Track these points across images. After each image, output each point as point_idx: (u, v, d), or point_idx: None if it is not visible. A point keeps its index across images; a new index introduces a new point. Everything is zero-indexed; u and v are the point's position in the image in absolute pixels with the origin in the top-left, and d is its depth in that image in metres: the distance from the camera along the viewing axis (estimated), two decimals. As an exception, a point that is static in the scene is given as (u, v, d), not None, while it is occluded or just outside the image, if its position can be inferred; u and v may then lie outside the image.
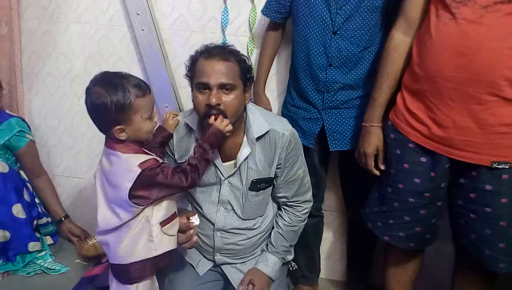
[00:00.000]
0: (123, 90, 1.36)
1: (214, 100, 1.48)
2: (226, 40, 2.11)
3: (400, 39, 1.57)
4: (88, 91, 1.39)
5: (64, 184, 2.57)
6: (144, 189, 1.40)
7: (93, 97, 1.36)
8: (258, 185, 1.67)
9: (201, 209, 1.73)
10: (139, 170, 1.37)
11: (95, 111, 1.38)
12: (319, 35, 1.75)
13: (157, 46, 2.14)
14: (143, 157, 1.41)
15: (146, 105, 1.42)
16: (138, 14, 2.11)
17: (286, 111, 1.97)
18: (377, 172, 1.69)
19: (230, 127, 1.50)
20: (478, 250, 1.56)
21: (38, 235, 2.36)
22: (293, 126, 1.74)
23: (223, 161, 1.66)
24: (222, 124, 1.48)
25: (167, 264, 1.56)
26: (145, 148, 1.48)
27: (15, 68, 2.36)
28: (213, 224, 1.72)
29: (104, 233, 1.49)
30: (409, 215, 1.63)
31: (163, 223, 1.47)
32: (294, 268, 2.12)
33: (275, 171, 1.69)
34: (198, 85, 1.52)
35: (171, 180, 1.41)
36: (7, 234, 2.21)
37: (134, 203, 1.39)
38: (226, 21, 2.10)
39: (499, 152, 1.43)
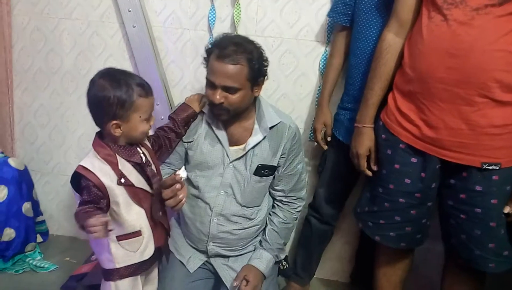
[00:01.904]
0: (127, 87, 1.38)
1: (217, 97, 1.58)
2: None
3: (392, 40, 1.57)
4: (93, 82, 1.41)
5: (53, 181, 2.55)
6: (80, 193, 1.42)
7: (97, 89, 1.38)
8: (262, 171, 1.73)
9: (201, 193, 1.75)
10: (75, 171, 1.40)
11: (96, 103, 1.40)
12: (379, 32, 1.71)
13: (148, 43, 2.13)
14: (91, 163, 1.41)
15: (146, 106, 1.43)
16: (130, 11, 2.10)
17: (335, 115, 1.98)
18: (369, 173, 1.69)
19: (225, 116, 1.64)
20: (468, 250, 1.57)
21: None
22: (339, 128, 1.85)
23: (230, 145, 1.71)
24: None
25: (144, 270, 1.56)
26: (124, 154, 1.46)
27: (5, 63, 2.33)
28: (211, 209, 1.74)
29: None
30: (399, 215, 1.64)
31: (120, 238, 1.46)
32: (285, 267, 2.13)
33: (278, 161, 1.74)
34: (207, 80, 1.62)
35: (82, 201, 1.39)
36: (13, 234, 2.22)
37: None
38: (213, 20, 2.09)
39: (489, 153, 1.44)
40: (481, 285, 1.71)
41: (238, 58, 1.55)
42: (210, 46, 1.63)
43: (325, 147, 2.00)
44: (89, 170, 1.39)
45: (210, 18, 2.09)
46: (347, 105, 1.90)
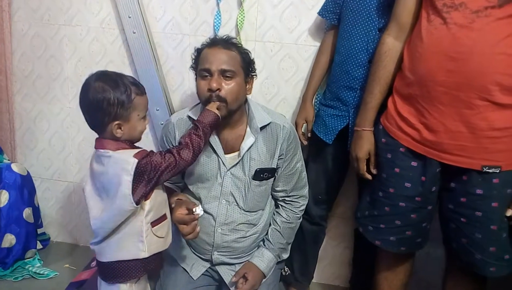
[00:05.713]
0: (125, 87, 1.39)
1: (214, 84, 1.56)
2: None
3: (392, 44, 1.57)
4: (87, 86, 1.40)
5: (53, 188, 2.55)
6: (142, 182, 1.40)
7: (95, 92, 1.37)
8: (262, 175, 1.72)
9: (203, 204, 1.74)
10: (136, 161, 1.38)
11: (96, 106, 1.38)
12: (364, 32, 1.75)
13: (148, 49, 2.13)
14: (134, 151, 1.42)
15: (143, 104, 1.46)
16: (130, 17, 2.11)
17: (316, 109, 2.01)
18: (369, 177, 1.69)
19: (223, 111, 1.57)
20: (468, 254, 1.56)
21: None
22: (317, 123, 1.87)
23: (226, 153, 1.70)
24: (217, 107, 1.55)
25: (156, 268, 1.55)
26: (132, 147, 1.49)
27: (6, 70, 2.33)
28: (215, 220, 1.73)
29: (99, 242, 1.49)
30: (400, 219, 1.63)
31: (153, 224, 1.47)
32: (287, 273, 2.12)
33: (277, 162, 1.74)
34: (201, 71, 1.60)
35: (164, 161, 1.43)
36: (14, 240, 2.21)
37: (134, 200, 1.39)
38: (219, 24, 2.10)
39: (489, 156, 1.44)
40: (482, 288, 1.70)
41: (230, 46, 1.61)
42: (198, 47, 1.67)
43: (305, 142, 2.01)
44: (139, 151, 1.42)
45: (215, 23, 2.10)
46: (330, 102, 1.91)
